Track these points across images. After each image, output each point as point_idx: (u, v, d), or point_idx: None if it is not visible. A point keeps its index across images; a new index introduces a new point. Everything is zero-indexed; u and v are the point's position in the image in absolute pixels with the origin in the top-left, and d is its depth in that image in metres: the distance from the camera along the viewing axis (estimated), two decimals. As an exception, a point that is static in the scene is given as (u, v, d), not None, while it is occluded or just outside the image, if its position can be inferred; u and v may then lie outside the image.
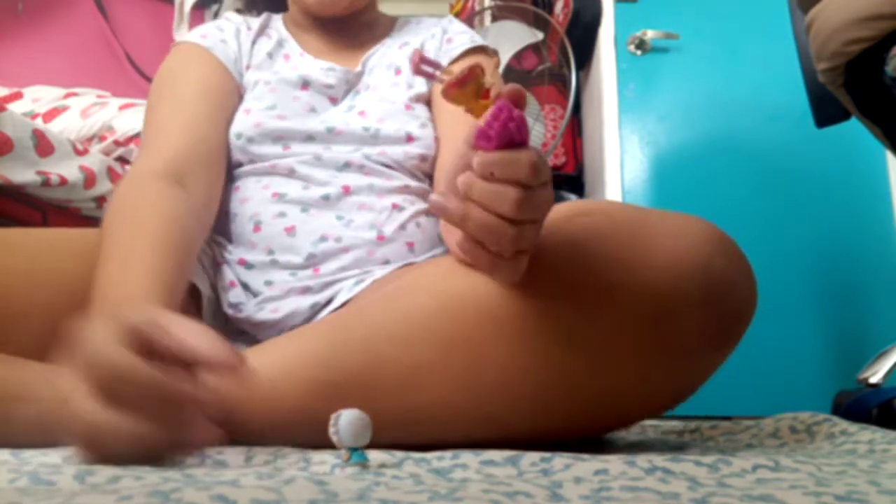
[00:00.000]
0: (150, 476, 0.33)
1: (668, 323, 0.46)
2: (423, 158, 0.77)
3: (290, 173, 0.73)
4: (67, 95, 1.58)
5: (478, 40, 0.87)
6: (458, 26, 0.89)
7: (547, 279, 0.47)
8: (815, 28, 0.89)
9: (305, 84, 0.79)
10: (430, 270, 0.55)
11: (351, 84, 0.82)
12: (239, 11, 0.94)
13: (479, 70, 0.43)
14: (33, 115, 1.47)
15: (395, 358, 0.48)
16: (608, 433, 0.65)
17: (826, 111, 1.11)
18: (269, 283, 0.68)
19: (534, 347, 0.47)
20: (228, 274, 0.70)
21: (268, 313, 0.66)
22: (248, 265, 0.70)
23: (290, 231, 0.70)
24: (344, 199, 0.72)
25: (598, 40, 2.15)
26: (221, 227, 0.75)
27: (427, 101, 0.83)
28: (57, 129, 1.37)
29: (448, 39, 0.86)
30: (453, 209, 0.42)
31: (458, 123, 0.76)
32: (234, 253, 0.72)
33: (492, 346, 0.47)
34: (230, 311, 0.67)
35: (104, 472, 0.33)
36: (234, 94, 0.79)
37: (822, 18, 0.87)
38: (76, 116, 1.47)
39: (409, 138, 0.76)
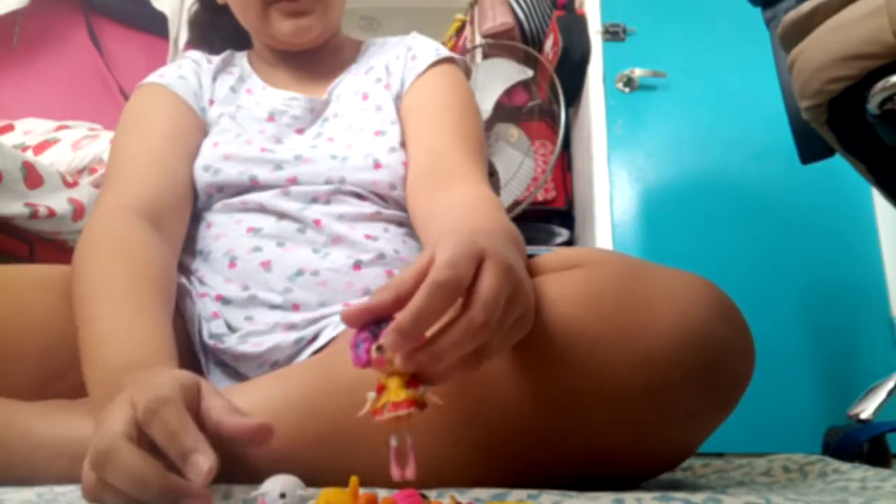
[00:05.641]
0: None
1: (663, 392, 0.44)
2: (392, 186, 0.75)
3: (262, 208, 0.72)
4: (59, 128, 1.58)
5: (443, 52, 0.83)
6: (421, 41, 0.86)
7: (537, 343, 0.44)
8: (798, 67, 0.90)
9: (271, 116, 0.79)
10: None
11: (317, 112, 0.82)
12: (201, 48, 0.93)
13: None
14: (24, 148, 1.48)
15: None
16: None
17: (810, 148, 1.13)
18: (249, 319, 0.67)
19: (518, 409, 0.45)
20: (210, 305, 0.68)
21: (251, 346, 0.64)
22: (225, 301, 0.68)
23: (267, 266, 0.68)
24: (318, 233, 0.71)
25: (586, 78, 2.19)
26: (193, 265, 0.73)
27: (398, 116, 0.81)
28: (48, 161, 1.37)
29: (412, 56, 0.84)
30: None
31: (428, 125, 0.76)
32: (212, 289, 0.69)
33: (481, 404, 0.46)
34: (212, 342, 0.65)
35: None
36: (199, 131, 0.79)
37: (804, 57, 0.88)
38: (67, 149, 1.47)
39: (377, 165, 0.75)
